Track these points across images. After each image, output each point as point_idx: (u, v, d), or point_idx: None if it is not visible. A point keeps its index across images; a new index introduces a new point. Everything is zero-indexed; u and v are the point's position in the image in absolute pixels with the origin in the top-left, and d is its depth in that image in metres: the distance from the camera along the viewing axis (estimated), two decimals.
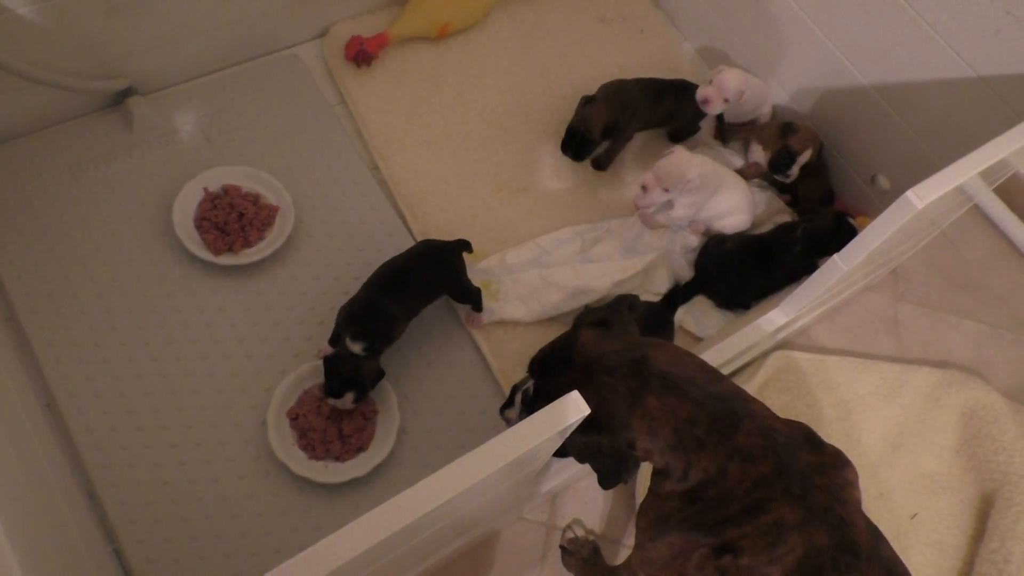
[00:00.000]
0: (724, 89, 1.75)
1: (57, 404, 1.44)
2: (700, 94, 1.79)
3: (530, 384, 1.20)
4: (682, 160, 1.66)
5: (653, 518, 1.12)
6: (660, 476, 1.08)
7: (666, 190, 1.67)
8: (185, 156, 1.70)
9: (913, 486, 1.69)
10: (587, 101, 1.76)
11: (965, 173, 1.18)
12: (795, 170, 1.78)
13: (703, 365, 1.10)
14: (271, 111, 1.80)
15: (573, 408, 0.91)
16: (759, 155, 1.83)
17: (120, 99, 1.70)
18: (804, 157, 1.76)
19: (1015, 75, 1.45)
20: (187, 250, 1.59)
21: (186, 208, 1.63)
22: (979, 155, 1.19)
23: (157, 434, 1.46)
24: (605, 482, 1.11)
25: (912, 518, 1.66)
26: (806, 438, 1.06)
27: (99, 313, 1.53)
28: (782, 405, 1.70)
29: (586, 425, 0.93)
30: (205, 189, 1.65)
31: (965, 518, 1.67)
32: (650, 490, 1.14)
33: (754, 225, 1.80)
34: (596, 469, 1.10)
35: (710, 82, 1.78)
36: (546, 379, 1.15)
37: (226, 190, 1.66)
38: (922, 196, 1.15)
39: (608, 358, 1.08)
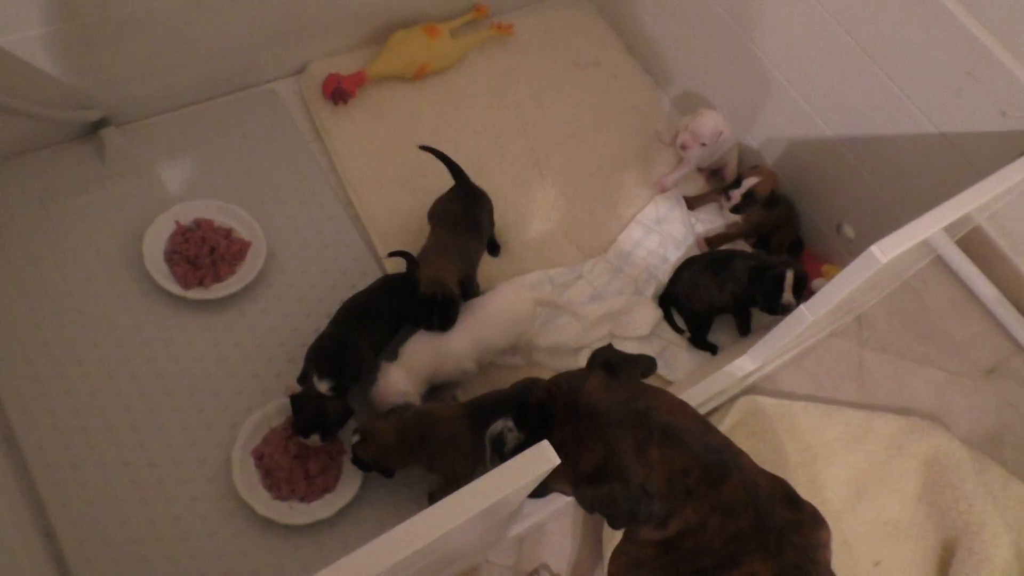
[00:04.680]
0: (699, 134, 1.80)
1: (16, 438, 1.41)
2: (680, 139, 1.85)
3: (504, 429, 1.20)
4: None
5: (626, 563, 1.12)
6: (637, 522, 1.08)
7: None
8: (158, 188, 1.69)
9: (876, 533, 1.70)
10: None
11: (928, 229, 1.22)
12: (737, 194, 1.82)
13: (696, 415, 1.12)
14: (246, 146, 1.80)
15: (546, 457, 0.91)
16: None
17: (93, 129, 1.69)
18: (749, 183, 1.80)
19: (974, 133, 1.50)
20: (156, 283, 1.58)
21: (157, 241, 1.62)
22: (942, 211, 1.23)
23: (118, 471, 1.43)
24: (616, 524, 1.11)
25: (875, 565, 1.67)
26: (785, 495, 1.07)
27: (63, 345, 1.51)
28: (749, 449, 1.68)
29: (595, 476, 0.94)
30: (177, 222, 1.64)
31: (928, 566, 1.69)
32: (625, 535, 1.14)
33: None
34: (608, 514, 1.10)
35: (686, 127, 1.82)
36: (545, 429, 1.15)
37: (198, 223, 1.65)
38: (885, 251, 1.19)
39: (615, 411, 1.09)
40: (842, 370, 1.92)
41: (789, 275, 1.64)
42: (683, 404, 1.15)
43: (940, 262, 2.12)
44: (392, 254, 1.61)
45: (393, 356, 1.52)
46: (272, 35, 1.80)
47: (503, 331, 1.56)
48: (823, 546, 1.08)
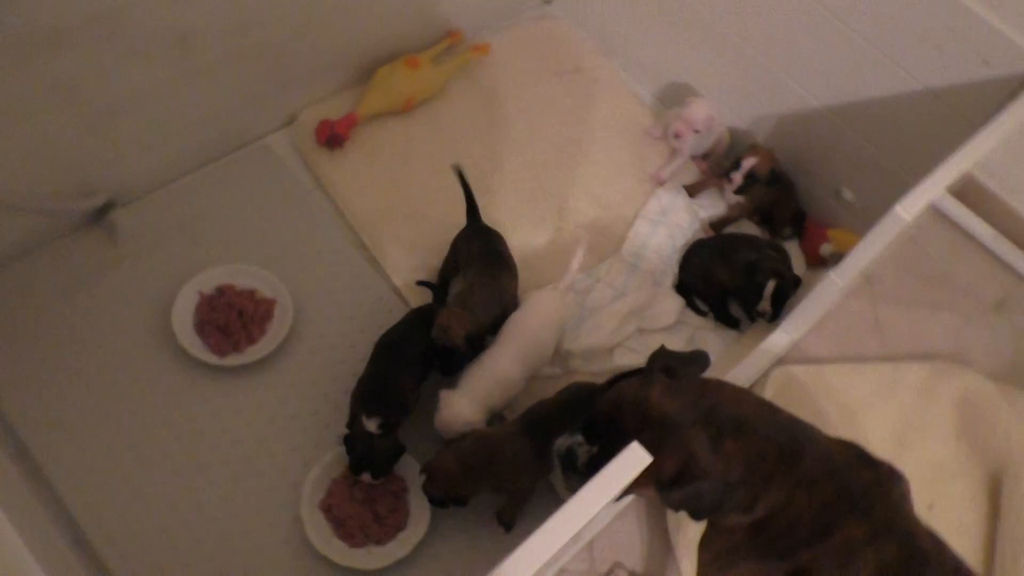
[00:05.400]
0: (692, 121, 1.84)
1: (85, 533, 1.41)
2: (672, 128, 1.90)
3: (574, 444, 1.23)
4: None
5: (718, 551, 1.15)
6: (723, 513, 1.12)
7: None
8: (174, 261, 1.69)
9: (924, 478, 1.75)
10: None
11: (942, 182, 1.28)
12: (738, 176, 1.86)
13: (759, 400, 1.15)
14: (252, 204, 1.81)
15: (637, 460, 0.95)
16: (732, 193, 1.92)
17: (101, 214, 1.69)
18: (748, 164, 1.85)
19: (959, 85, 1.56)
20: (191, 356, 1.58)
21: (184, 314, 1.62)
22: (953, 163, 1.29)
23: (192, 549, 1.43)
24: (700, 517, 1.14)
25: (929, 508, 1.72)
26: (859, 456, 1.12)
27: (112, 435, 1.51)
28: None
29: (678, 479, 0.97)
30: (200, 292, 1.65)
31: (979, 500, 1.74)
32: (710, 524, 1.17)
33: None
34: (694, 510, 1.13)
35: (677, 117, 1.87)
36: (618, 439, 1.17)
37: (221, 290, 1.65)
38: (908, 209, 1.24)
39: (685, 413, 1.12)
40: (861, 328, 1.97)
41: (770, 285, 1.70)
42: (745, 392, 1.19)
43: (932, 208, 2.18)
44: (419, 283, 1.66)
45: (452, 385, 1.54)
46: (258, 92, 1.81)
47: (548, 340, 1.59)
48: (904, 496, 1.12)
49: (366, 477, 1.45)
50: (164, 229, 1.73)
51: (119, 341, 1.60)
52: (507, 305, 1.63)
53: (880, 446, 1.75)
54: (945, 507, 1.74)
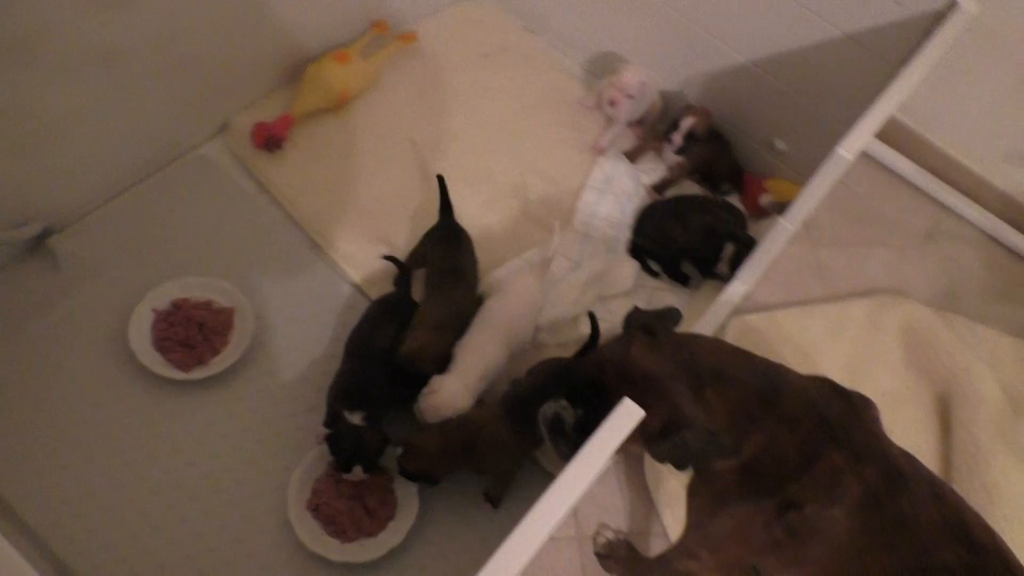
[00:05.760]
0: (626, 87, 1.88)
1: (72, 571, 1.37)
2: (606, 96, 1.95)
3: (559, 409, 1.25)
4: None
5: (708, 496, 1.20)
6: (708, 459, 1.16)
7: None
8: (123, 282, 1.65)
9: (879, 406, 1.85)
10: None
11: (877, 121, 1.34)
12: (678, 137, 1.91)
13: (734, 348, 1.20)
14: (195, 215, 1.77)
15: (629, 414, 0.98)
16: (670, 153, 1.97)
17: (39, 242, 1.64)
18: (687, 124, 1.90)
19: (876, 27, 1.63)
20: (155, 375, 1.55)
21: (142, 334, 1.58)
22: (884, 103, 1.35)
23: (181, 565, 1.41)
24: (683, 466, 1.18)
25: (888, 435, 1.82)
26: (831, 389, 1.17)
27: (84, 465, 1.47)
28: None
29: (664, 431, 1.00)
30: (154, 310, 1.61)
31: (930, 421, 1.85)
32: (698, 471, 1.22)
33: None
34: (681, 460, 1.17)
35: (611, 85, 1.90)
36: (603, 399, 1.21)
37: (177, 305, 1.62)
38: (849, 149, 1.30)
39: (665, 367, 1.16)
40: (805, 273, 2.05)
41: (729, 248, 1.75)
42: (720, 342, 1.24)
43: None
44: (386, 257, 1.71)
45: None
46: (188, 101, 1.77)
47: (531, 323, 1.61)
48: (876, 420, 1.19)
49: (358, 472, 1.45)
50: (107, 251, 1.69)
51: (78, 369, 1.56)
52: (466, 316, 1.62)
53: (837, 379, 1.85)
54: (900, 432, 1.81)
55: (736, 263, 1.78)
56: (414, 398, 1.50)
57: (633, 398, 1.19)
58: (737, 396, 1.15)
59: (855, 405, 1.18)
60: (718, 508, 1.18)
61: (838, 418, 1.14)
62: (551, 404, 1.29)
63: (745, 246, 1.78)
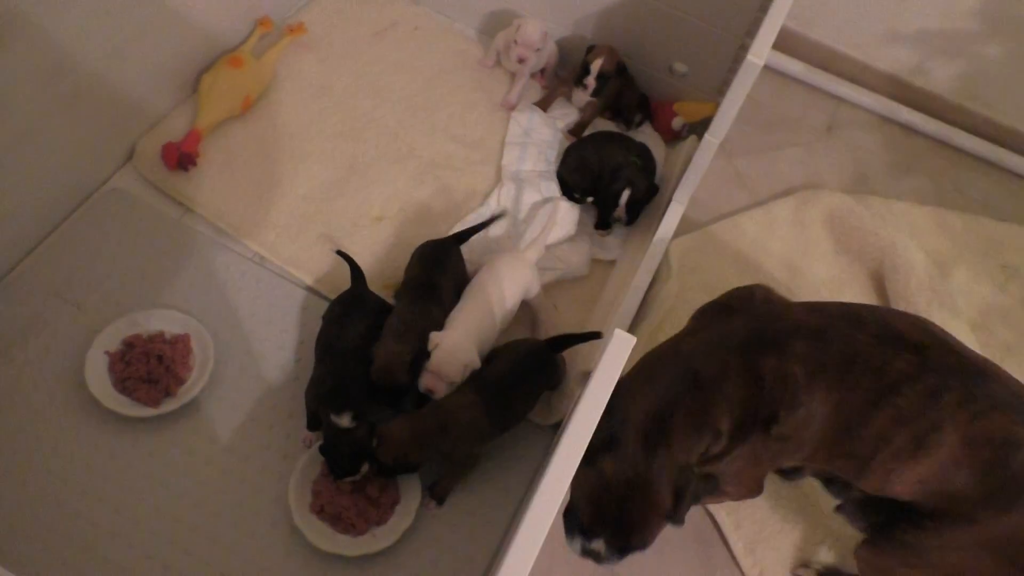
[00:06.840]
0: (531, 42, 1.91)
1: None
2: (514, 55, 1.97)
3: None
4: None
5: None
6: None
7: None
8: (66, 332, 1.59)
9: (822, 294, 1.96)
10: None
11: (776, 24, 1.40)
12: (591, 80, 1.95)
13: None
14: (122, 250, 1.71)
15: (625, 344, 1.02)
16: (581, 96, 2.00)
17: None
18: (597, 65, 1.94)
19: None
20: (125, 416, 1.51)
21: (100, 378, 1.53)
22: (777, 9, 1.41)
23: None
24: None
25: None
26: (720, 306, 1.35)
27: (70, 522, 1.42)
28: (697, 282, 1.90)
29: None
30: (107, 352, 1.56)
31: (871, 298, 1.97)
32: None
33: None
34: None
35: (515, 42, 1.92)
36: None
37: (129, 343, 1.57)
38: (759, 55, 1.36)
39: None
40: (727, 184, 2.14)
41: (625, 194, 1.80)
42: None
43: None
44: (338, 253, 1.70)
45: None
46: (88, 135, 1.70)
47: (516, 301, 1.64)
48: (773, 296, 1.45)
49: (364, 470, 1.45)
50: (40, 303, 1.62)
51: (43, 428, 1.50)
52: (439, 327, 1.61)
53: (778, 277, 1.95)
54: None
55: (632, 209, 1.83)
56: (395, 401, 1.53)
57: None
58: (739, 414, 1.25)
59: (755, 303, 1.31)
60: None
61: (743, 333, 1.24)
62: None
63: (641, 192, 1.83)
